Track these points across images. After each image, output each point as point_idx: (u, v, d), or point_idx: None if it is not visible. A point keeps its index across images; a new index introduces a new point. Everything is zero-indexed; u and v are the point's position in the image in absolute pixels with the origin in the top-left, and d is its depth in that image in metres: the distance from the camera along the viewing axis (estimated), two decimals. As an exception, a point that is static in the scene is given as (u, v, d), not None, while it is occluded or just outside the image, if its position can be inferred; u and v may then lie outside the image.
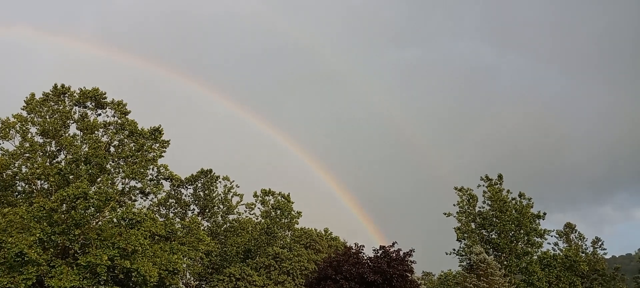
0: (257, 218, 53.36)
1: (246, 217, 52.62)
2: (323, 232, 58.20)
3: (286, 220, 54.49)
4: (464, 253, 47.93)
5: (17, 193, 37.15)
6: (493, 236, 49.50)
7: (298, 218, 55.69)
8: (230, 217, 51.65)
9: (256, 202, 54.77)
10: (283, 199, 55.26)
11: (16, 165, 36.06)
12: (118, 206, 35.16)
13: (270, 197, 55.19)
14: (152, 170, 38.68)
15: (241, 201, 53.00)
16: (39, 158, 35.81)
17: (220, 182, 52.39)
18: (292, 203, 55.60)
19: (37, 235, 30.92)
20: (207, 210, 50.15)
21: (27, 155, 36.08)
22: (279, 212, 53.92)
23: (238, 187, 53.73)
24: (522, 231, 49.30)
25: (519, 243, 49.54)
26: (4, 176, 35.90)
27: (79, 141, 37.37)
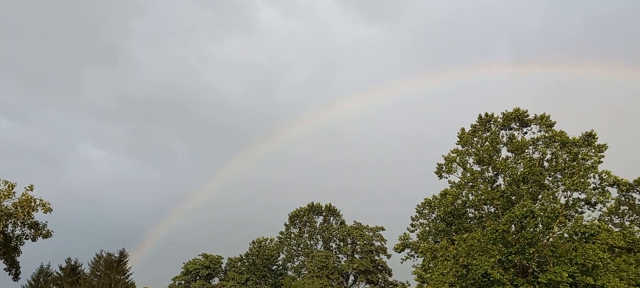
0: None
1: None
2: None
3: None
4: None
5: (469, 219, 41.32)
6: None
7: None
8: None
9: None
10: None
11: (463, 194, 40.33)
12: (566, 220, 34.09)
13: None
14: (594, 178, 35.92)
15: None
16: (481, 185, 38.92)
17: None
18: None
19: (496, 256, 33.22)
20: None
21: (470, 184, 39.85)
22: None
23: None
24: None
25: None
26: (456, 205, 40.67)
27: (512, 162, 38.70)
